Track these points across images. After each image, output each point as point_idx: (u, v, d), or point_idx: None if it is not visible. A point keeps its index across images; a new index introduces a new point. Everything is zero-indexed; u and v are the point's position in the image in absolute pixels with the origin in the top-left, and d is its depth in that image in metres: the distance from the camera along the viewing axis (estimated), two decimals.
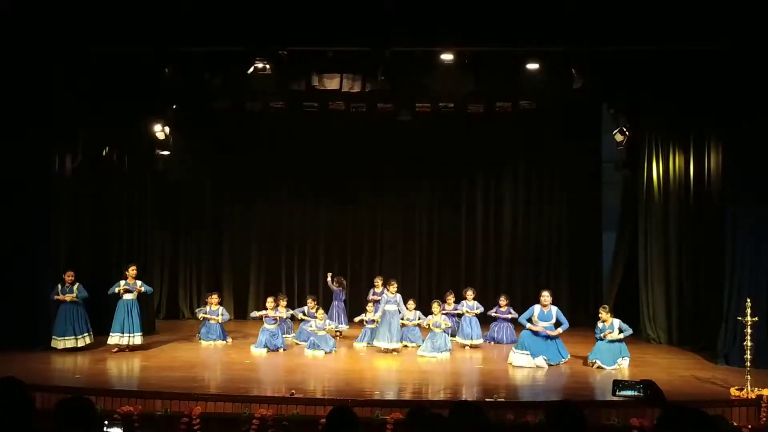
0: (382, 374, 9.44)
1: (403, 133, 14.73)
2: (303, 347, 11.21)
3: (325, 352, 10.72)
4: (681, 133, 11.83)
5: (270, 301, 11.52)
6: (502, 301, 12.41)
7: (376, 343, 10.97)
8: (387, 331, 10.88)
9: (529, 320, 10.12)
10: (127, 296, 10.66)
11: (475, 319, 11.74)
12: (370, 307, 11.80)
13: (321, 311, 11.41)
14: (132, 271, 10.76)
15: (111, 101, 11.50)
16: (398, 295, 11.12)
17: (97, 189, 12.07)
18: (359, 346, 11.61)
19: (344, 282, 13.06)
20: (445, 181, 15.21)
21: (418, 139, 14.90)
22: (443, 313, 11.48)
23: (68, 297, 10.41)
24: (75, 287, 10.52)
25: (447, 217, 15.32)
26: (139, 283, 10.84)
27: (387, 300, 11.10)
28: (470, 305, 11.87)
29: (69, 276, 10.50)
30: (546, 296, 10.15)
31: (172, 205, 15.03)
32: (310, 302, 12.26)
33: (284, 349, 11.12)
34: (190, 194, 15.25)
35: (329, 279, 13.04)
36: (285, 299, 12.17)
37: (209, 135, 14.96)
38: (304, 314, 12.00)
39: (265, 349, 10.98)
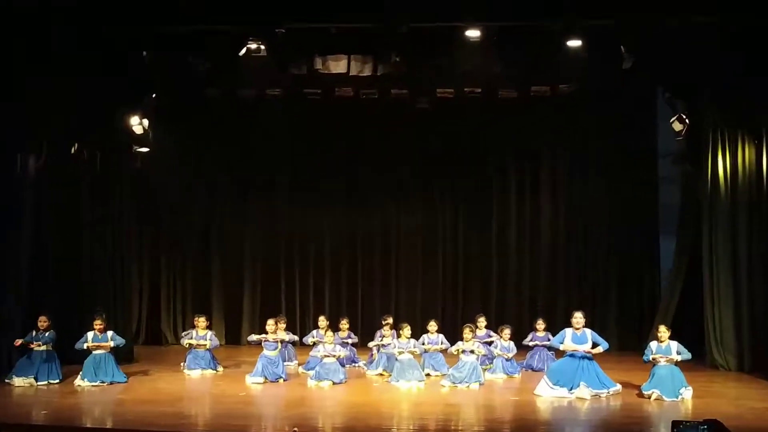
0: (399, 408, 9.41)
1: (422, 123, 14.84)
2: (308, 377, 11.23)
3: (333, 383, 10.70)
4: (752, 122, 11.69)
5: (271, 324, 11.55)
6: (539, 324, 12.46)
7: (394, 383, 10.90)
8: (407, 374, 10.84)
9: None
10: (98, 351, 10.83)
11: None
12: (378, 342, 12.02)
13: (330, 333, 11.45)
14: (98, 324, 10.89)
15: (78, 89, 11.44)
16: (412, 341, 11.16)
17: (64, 193, 12.09)
18: (372, 374, 11.67)
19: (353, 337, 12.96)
20: (471, 178, 15.31)
21: (439, 130, 15.02)
22: (476, 340, 11.44)
23: (41, 347, 10.61)
24: (48, 334, 10.73)
25: (474, 221, 15.38)
26: (109, 334, 10.95)
27: (399, 346, 11.09)
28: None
29: (42, 322, 10.68)
30: (579, 318, 10.18)
31: (152, 212, 15.14)
32: (322, 321, 12.43)
33: (285, 379, 11.12)
34: (174, 198, 15.39)
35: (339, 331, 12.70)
36: (284, 321, 12.22)
37: (195, 129, 15.09)
38: (314, 338, 12.05)
39: (263, 379, 10.95)
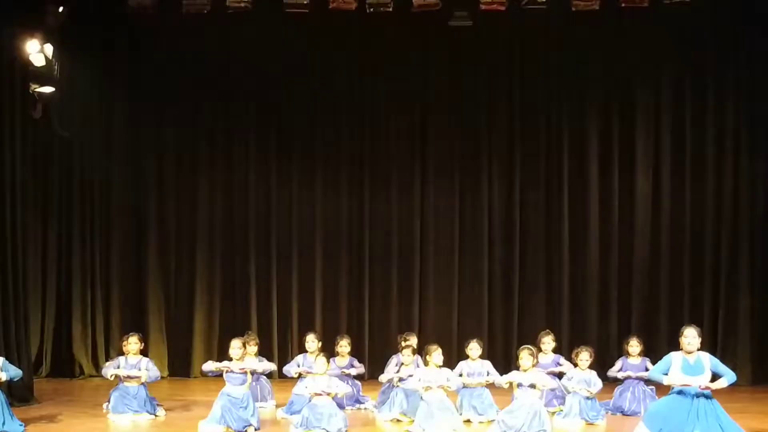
0: None
1: (457, 50, 15.07)
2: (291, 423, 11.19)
3: None
4: None
5: (236, 346, 11.31)
6: (633, 346, 12.48)
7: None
8: (436, 420, 10.75)
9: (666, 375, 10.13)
10: None
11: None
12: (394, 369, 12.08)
13: (323, 360, 11.17)
14: None
15: None
16: (444, 371, 11.10)
17: None
18: (385, 419, 11.69)
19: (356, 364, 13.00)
20: (533, 136, 15.48)
21: (481, 60, 15.26)
22: (540, 369, 11.36)
23: None
24: None
25: (536, 198, 15.57)
26: None
27: (425, 379, 10.97)
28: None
29: None
30: (691, 338, 9.97)
31: (60, 186, 15.26)
32: (311, 343, 12.42)
33: (257, 429, 10.99)
34: (91, 165, 15.46)
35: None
36: (256, 343, 12.31)
37: (121, 61, 15.25)
38: (300, 367, 12.13)
39: (225, 429, 10.80)
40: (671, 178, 15.25)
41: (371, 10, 14.05)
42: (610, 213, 15.43)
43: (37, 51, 12.83)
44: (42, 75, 13.23)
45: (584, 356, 11.77)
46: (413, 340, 12.42)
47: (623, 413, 12.06)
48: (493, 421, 10.92)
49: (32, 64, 12.91)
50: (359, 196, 15.71)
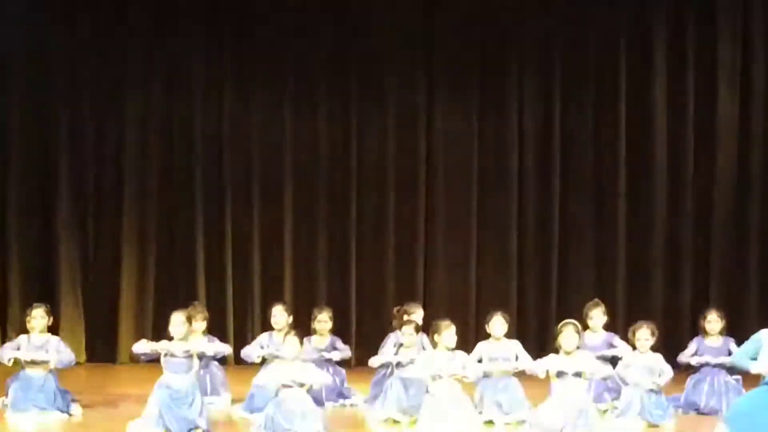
0: None
1: None
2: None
3: None
4: None
5: (178, 322, 11.42)
6: (713, 321, 12.59)
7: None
8: (447, 419, 10.91)
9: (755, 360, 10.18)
10: None
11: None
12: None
13: (294, 339, 11.16)
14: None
15: None
16: (459, 355, 11.21)
17: None
18: (378, 419, 11.89)
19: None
20: (570, 38, 15.78)
21: None
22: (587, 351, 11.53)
23: None
24: None
25: (573, 120, 15.95)
26: None
27: (431, 366, 11.10)
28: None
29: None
30: None
31: None
32: (279, 317, 12.68)
33: (205, 431, 11.10)
34: None
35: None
36: (205, 317, 12.59)
37: None
38: (264, 349, 12.38)
39: (162, 431, 10.91)
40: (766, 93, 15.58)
41: None
42: (683, 142, 15.76)
43: None
44: None
45: (645, 334, 11.80)
46: (417, 314, 12.58)
47: (698, 411, 12.23)
48: (524, 422, 11.11)
49: None
50: (343, 118, 16.03)
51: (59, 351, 12.19)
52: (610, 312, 13.00)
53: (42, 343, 12.19)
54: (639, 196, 15.80)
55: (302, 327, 12.23)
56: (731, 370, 12.08)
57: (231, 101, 16.14)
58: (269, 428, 10.71)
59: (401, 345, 12.15)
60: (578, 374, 10.74)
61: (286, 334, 11.51)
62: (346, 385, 12.85)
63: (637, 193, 15.80)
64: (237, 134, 16.14)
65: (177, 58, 16.21)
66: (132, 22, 16.13)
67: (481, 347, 11.90)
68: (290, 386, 10.82)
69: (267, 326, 13.13)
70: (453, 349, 11.17)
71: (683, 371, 12.65)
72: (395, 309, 12.80)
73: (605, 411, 11.83)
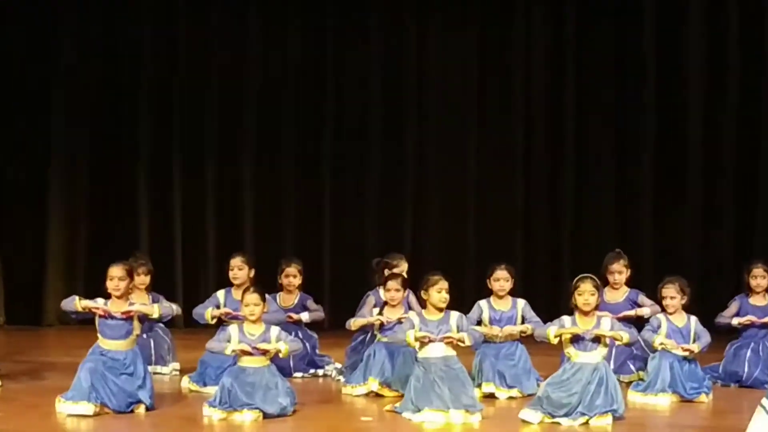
0: None
1: None
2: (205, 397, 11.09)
3: (263, 415, 10.40)
4: None
5: (117, 275, 10.93)
6: (758, 275, 12.27)
7: (409, 415, 10.73)
8: (438, 394, 10.62)
9: None
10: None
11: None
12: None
13: (256, 297, 10.90)
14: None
15: None
16: (454, 316, 10.92)
17: None
18: (356, 393, 11.68)
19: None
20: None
21: None
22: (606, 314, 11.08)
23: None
24: None
25: (588, 48, 16.10)
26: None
27: (420, 328, 10.81)
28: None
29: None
30: None
31: None
32: (238, 270, 12.43)
33: (149, 407, 10.76)
34: None
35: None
36: (149, 270, 12.50)
37: None
38: (220, 309, 12.19)
39: (94, 406, 10.42)
40: None
41: None
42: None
43: None
44: None
45: (674, 292, 11.46)
46: (402, 267, 12.28)
47: (740, 383, 11.96)
48: (532, 395, 10.71)
49: None
50: (318, 35, 16.06)
51: None
52: (635, 264, 12.58)
53: None
54: (667, 128, 15.74)
55: (266, 283, 11.99)
56: None
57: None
58: (225, 403, 10.54)
59: (384, 304, 11.91)
60: (596, 339, 10.38)
61: (245, 291, 11.31)
62: (318, 351, 12.74)
63: (666, 120, 15.75)
64: (192, 46, 16.13)
65: None
66: None
67: (481, 306, 11.58)
68: (251, 353, 10.67)
69: (223, 282, 12.75)
70: (445, 309, 10.81)
71: (722, 335, 12.34)
72: (375, 261, 12.65)
73: (629, 383, 11.63)
